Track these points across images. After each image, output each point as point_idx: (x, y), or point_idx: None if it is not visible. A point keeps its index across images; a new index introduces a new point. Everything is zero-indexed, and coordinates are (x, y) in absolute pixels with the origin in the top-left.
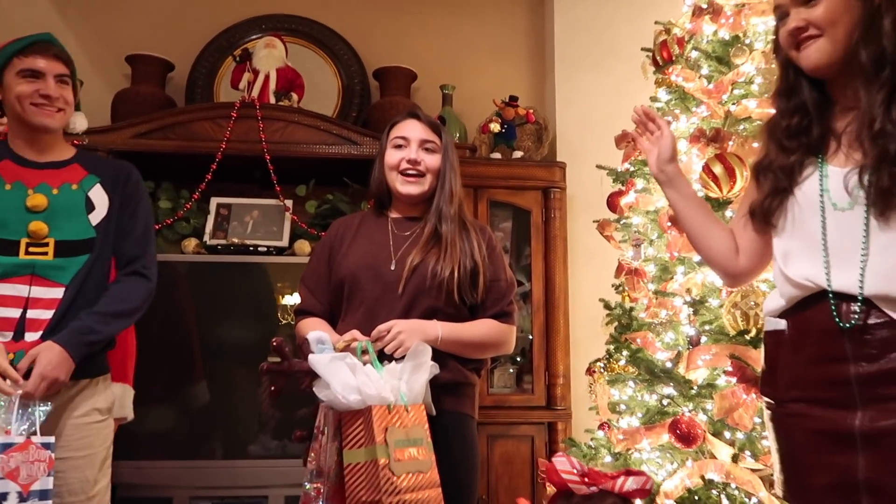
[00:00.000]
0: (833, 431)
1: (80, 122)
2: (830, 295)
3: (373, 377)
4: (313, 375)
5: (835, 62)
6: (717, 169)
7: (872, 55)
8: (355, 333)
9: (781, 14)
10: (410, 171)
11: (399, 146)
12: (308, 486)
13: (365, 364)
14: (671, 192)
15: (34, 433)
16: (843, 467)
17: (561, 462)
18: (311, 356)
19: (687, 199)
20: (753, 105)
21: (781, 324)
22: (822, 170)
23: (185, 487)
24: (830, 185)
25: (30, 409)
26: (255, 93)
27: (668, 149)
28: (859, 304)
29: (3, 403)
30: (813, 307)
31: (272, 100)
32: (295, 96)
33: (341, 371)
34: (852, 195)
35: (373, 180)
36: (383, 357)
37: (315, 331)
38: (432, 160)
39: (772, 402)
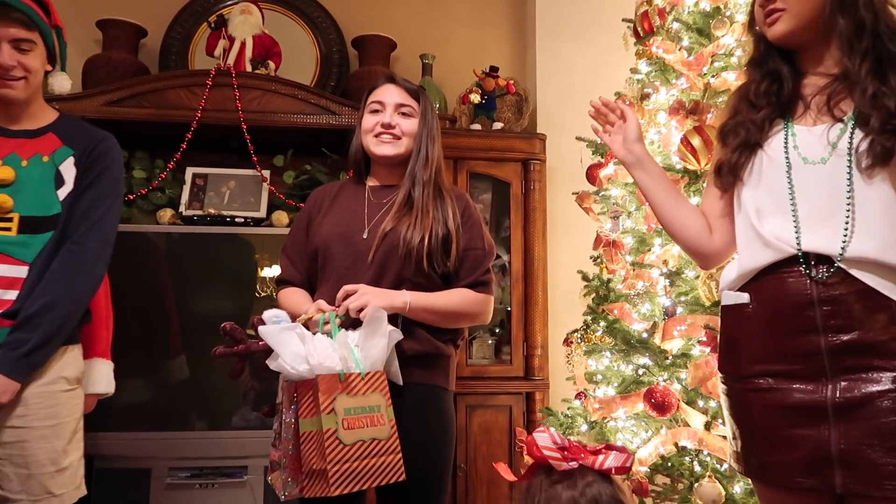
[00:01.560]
0: (803, 404)
1: (61, 83)
2: (800, 257)
3: (319, 347)
4: (269, 353)
5: (797, 34)
6: (696, 141)
7: (851, 26)
8: (321, 303)
9: None
10: (385, 135)
11: (375, 111)
12: (273, 453)
13: (325, 334)
14: (639, 174)
15: None
16: (815, 440)
17: (542, 438)
18: (261, 328)
19: (656, 180)
20: (733, 77)
21: (743, 297)
22: (790, 129)
23: (164, 458)
24: (799, 142)
25: None
26: (231, 60)
27: (634, 129)
28: (834, 267)
29: None
30: (778, 276)
31: (248, 68)
32: (272, 64)
33: (291, 342)
34: (831, 148)
35: (352, 147)
36: (350, 325)
37: (296, 305)
38: (408, 124)
39: (731, 378)
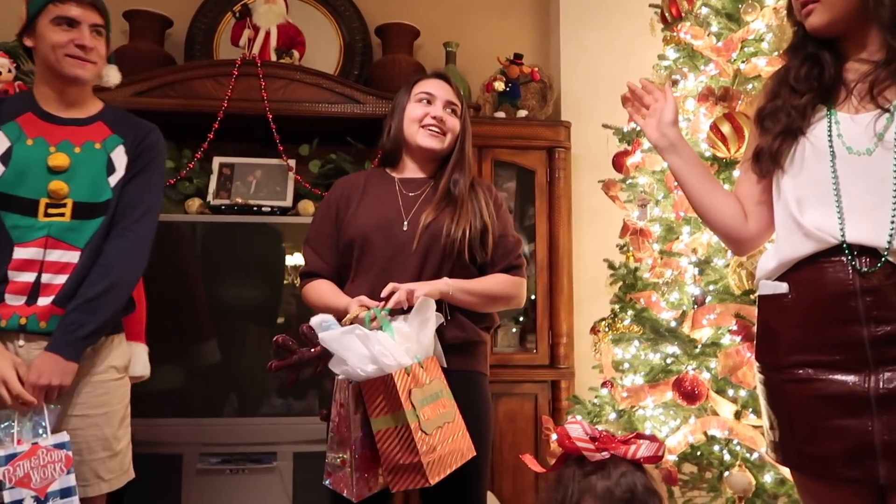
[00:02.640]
0: (845, 395)
1: (113, 75)
2: (845, 248)
3: (387, 344)
4: (324, 359)
5: (834, 24)
6: (726, 128)
7: (891, 11)
8: (363, 299)
9: None
10: (434, 127)
11: (424, 101)
12: (331, 456)
13: (373, 330)
14: (673, 158)
15: (44, 437)
16: (858, 432)
17: (574, 429)
18: (322, 334)
19: (690, 165)
20: (763, 63)
21: (782, 287)
22: (832, 116)
23: (195, 444)
24: (843, 130)
25: (34, 416)
26: (256, 50)
27: (671, 111)
28: (882, 260)
29: (9, 416)
30: (820, 266)
31: (273, 57)
32: (296, 54)
33: (353, 344)
34: (877, 139)
35: (388, 133)
36: (393, 314)
37: (326, 298)
38: (454, 123)
39: (769, 368)
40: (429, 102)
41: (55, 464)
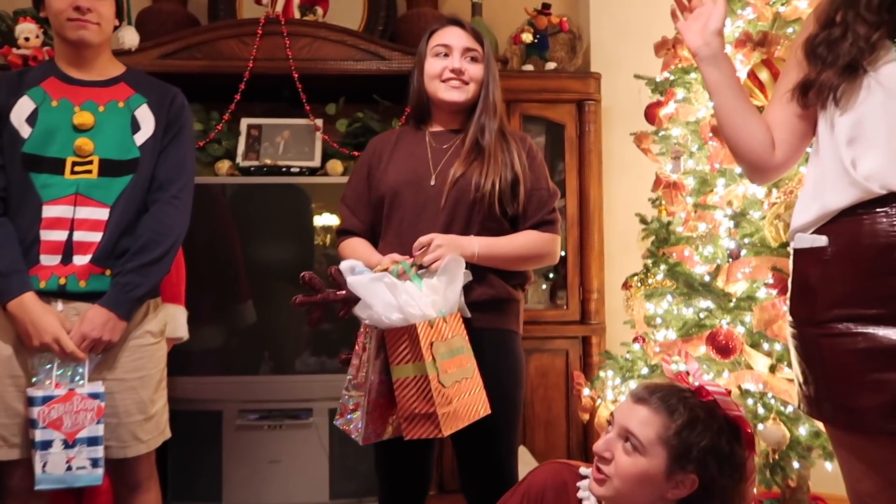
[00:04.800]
0: (889, 348)
1: (129, 37)
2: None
3: (414, 295)
4: (348, 303)
5: None
6: (764, 75)
7: None
8: (394, 256)
9: None
10: (454, 80)
11: (441, 54)
12: (346, 397)
13: (403, 282)
14: (712, 70)
15: (81, 385)
16: None
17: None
18: (350, 279)
19: (728, 80)
20: (804, 5)
21: (821, 240)
22: None
23: (235, 401)
24: None
25: (76, 363)
26: (280, 8)
27: (719, 17)
28: None
29: (51, 359)
30: (860, 217)
31: (297, 14)
32: (320, 10)
33: (381, 291)
34: None
35: (412, 92)
36: (420, 269)
37: (358, 256)
38: (476, 70)
39: (804, 322)
40: (446, 55)
41: (87, 412)
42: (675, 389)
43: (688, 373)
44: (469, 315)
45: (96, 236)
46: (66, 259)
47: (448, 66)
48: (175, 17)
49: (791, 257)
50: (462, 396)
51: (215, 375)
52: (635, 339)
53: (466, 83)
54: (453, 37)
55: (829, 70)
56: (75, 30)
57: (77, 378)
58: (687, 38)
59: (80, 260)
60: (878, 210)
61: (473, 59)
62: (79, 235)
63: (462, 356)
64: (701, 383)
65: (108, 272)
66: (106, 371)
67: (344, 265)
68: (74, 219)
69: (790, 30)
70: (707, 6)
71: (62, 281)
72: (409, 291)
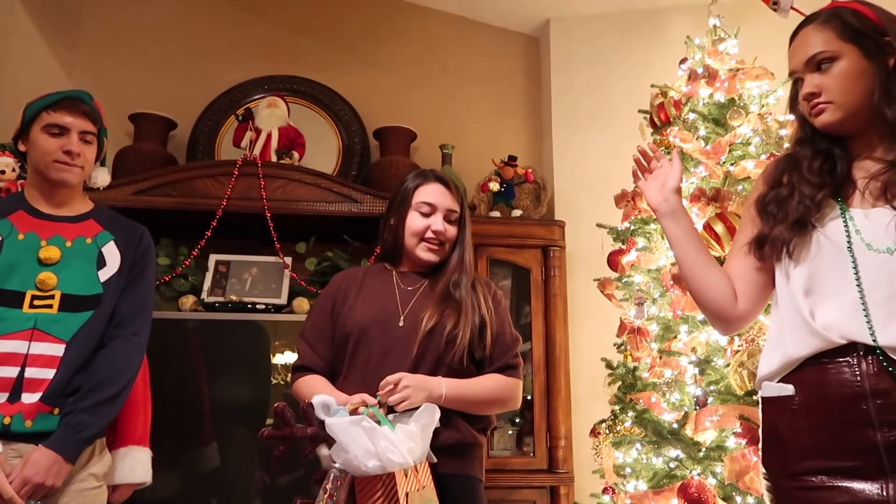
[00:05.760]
0: (864, 503)
1: (101, 177)
2: (878, 351)
3: (394, 440)
4: (316, 441)
5: (845, 123)
6: (719, 228)
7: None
8: (364, 397)
9: (796, 79)
10: (434, 241)
11: (425, 213)
12: None
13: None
14: (672, 225)
15: None
16: None
17: None
18: (328, 420)
19: (687, 234)
20: (752, 165)
21: (788, 389)
22: (846, 213)
23: None
24: (860, 226)
25: None
26: (257, 151)
27: (676, 177)
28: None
29: None
30: (822, 367)
31: (274, 158)
32: (296, 154)
33: (359, 436)
34: None
35: (387, 236)
36: (389, 412)
37: (319, 394)
38: (453, 232)
39: (778, 474)
40: (430, 214)
41: None
42: None
43: None
44: (435, 460)
45: (49, 373)
46: (14, 397)
47: (431, 226)
48: (154, 157)
49: (760, 406)
50: None
51: None
52: (605, 490)
53: (443, 244)
54: (439, 196)
55: (781, 225)
56: (59, 171)
57: None
58: (647, 195)
59: (29, 398)
60: (839, 360)
61: (453, 222)
62: (31, 372)
63: None
64: None
65: (56, 411)
66: None
67: (316, 400)
68: (28, 354)
69: (740, 187)
70: (665, 167)
71: (7, 420)
72: (388, 437)
